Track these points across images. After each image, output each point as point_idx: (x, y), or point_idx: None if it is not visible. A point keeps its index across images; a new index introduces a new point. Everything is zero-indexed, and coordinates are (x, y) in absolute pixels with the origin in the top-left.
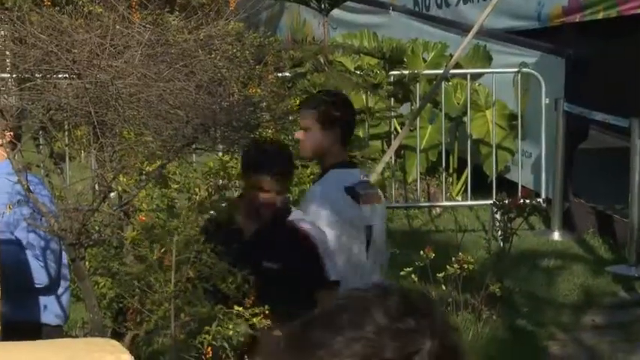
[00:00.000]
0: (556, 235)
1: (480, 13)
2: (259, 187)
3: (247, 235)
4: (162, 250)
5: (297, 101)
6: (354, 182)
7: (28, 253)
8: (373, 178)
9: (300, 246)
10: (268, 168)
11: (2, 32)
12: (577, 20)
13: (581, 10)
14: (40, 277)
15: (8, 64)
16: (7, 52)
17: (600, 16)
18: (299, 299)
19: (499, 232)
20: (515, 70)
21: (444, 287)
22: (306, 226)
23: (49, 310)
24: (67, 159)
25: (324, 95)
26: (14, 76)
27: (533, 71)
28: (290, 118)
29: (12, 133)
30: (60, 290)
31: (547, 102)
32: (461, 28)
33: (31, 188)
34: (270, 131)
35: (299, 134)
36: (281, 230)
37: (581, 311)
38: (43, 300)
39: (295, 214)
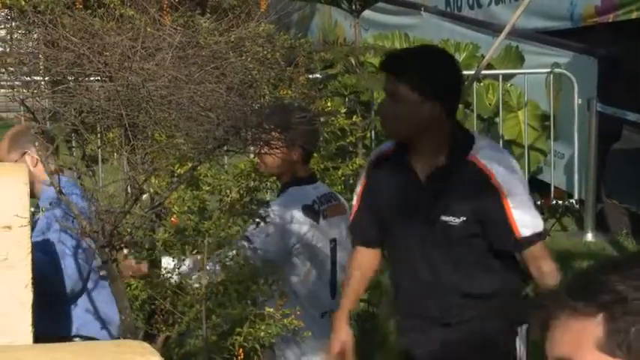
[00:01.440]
0: (589, 237)
1: (511, 14)
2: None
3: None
4: (194, 252)
5: (328, 103)
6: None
7: (61, 254)
8: None
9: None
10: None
11: (35, 35)
12: (610, 20)
13: (615, 10)
14: (72, 281)
15: (41, 66)
16: (40, 55)
17: (634, 15)
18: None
19: None
20: (548, 70)
21: None
22: None
23: (80, 317)
24: (99, 161)
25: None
26: (47, 78)
27: (565, 71)
28: (321, 119)
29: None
30: (94, 294)
31: (579, 102)
32: (492, 28)
33: (63, 190)
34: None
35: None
36: (463, 168)
37: None
38: (75, 305)
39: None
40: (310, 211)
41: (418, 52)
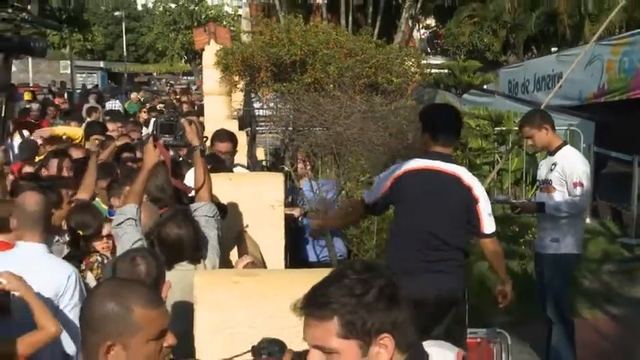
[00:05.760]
0: (587, 220)
1: (546, 96)
2: None
3: None
4: (369, 222)
5: None
6: None
7: None
8: (485, 185)
9: None
10: None
11: (288, 105)
12: (602, 100)
13: (605, 95)
14: None
15: (290, 122)
16: (290, 116)
17: (617, 98)
18: None
19: None
20: (566, 128)
21: (522, 248)
22: None
23: None
24: (319, 173)
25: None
26: (290, 128)
27: (576, 129)
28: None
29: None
30: None
31: (584, 146)
32: (535, 104)
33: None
34: None
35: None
36: None
37: (602, 263)
38: None
39: None
40: None
41: None
